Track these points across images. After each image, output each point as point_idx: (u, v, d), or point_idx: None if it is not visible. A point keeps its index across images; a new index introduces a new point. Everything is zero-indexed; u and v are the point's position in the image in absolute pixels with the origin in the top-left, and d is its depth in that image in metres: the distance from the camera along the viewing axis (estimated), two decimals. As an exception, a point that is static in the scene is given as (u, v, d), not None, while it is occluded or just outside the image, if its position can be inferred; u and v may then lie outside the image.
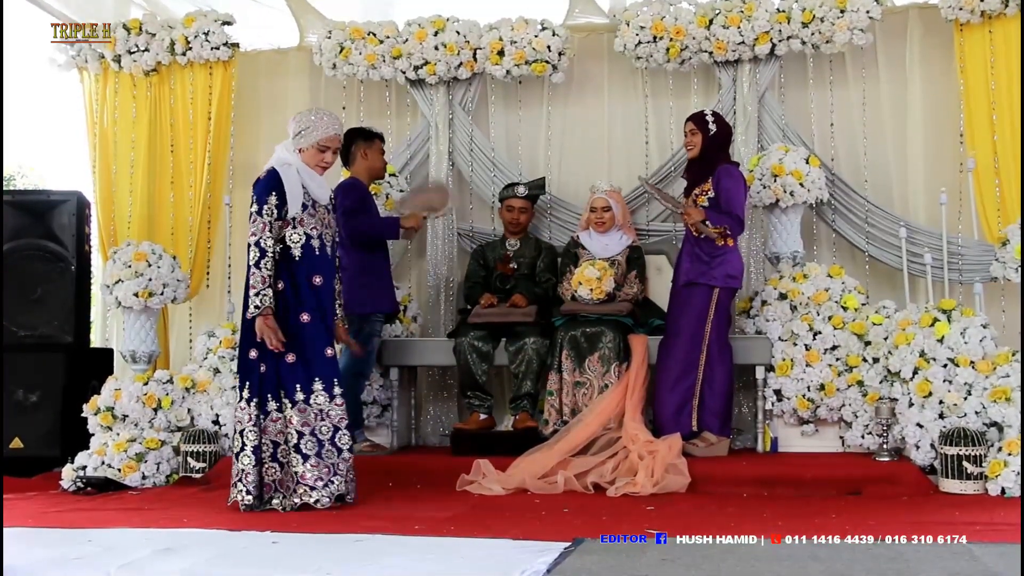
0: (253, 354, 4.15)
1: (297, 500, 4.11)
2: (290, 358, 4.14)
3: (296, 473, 4.13)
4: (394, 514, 4.01)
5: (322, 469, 4.13)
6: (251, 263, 4.09)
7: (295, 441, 4.13)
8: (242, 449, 4.13)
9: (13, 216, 5.78)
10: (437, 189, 5.71)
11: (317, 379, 4.17)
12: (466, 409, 5.55)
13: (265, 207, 4.12)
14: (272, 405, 4.15)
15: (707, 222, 4.97)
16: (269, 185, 4.16)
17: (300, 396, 4.14)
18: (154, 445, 5.15)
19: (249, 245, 4.12)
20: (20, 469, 5.37)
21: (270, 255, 4.10)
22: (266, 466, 4.15)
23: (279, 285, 4.15)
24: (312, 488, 4.10)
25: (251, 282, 4.08)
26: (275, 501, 4.14)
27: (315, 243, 4.23)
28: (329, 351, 4.24)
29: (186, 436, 5.22)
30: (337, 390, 4.20)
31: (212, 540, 3.52)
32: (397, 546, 3.34)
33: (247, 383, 4.16)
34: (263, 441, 4.15)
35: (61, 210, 5.84)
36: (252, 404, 4.13)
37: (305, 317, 4.18)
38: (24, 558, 3.18)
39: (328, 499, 4.12)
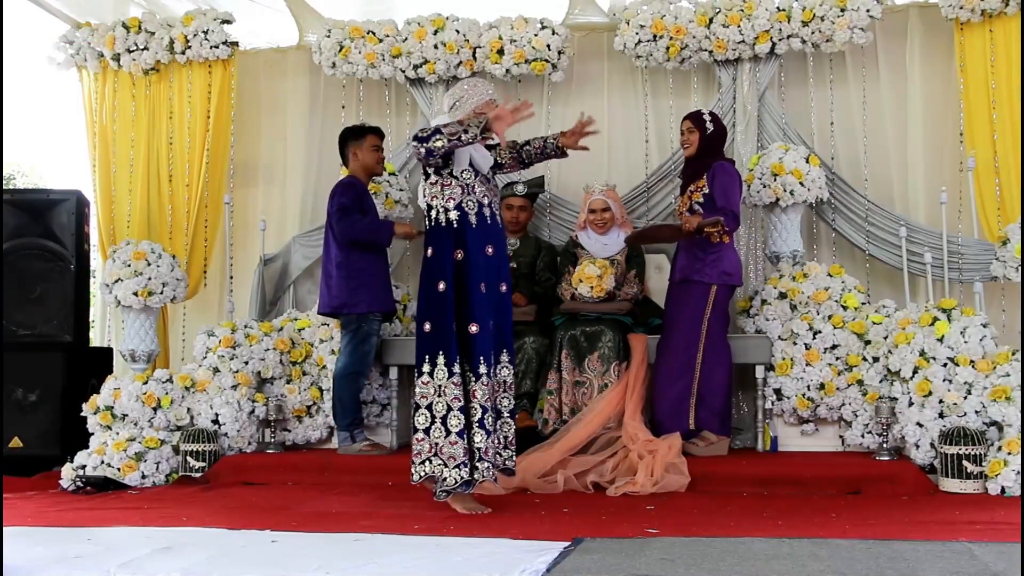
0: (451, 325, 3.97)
1: (477, 476, 3.93)
2: (473, 328, 3.97)
3: (479, 449, 3.94)
4: (394, 513, 4.01)
5: (495, 442, 4.01)
6: (433, 145, 3.89)
7: (479, 416, 3.95)
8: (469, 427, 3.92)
9: (13, 215, 5.78)
10: None
11: (505, 350, 4.08)
12: (466, 408, 5.54)
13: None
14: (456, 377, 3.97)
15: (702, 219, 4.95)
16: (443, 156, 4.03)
17: (483, 369, 3.97)
18: (153, 444, 5.15)
19: (425, 150, 3.92)
20: (20, 468, 5.38)
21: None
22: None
23: (458, 255, 4.01)
24: (493, 464, 3.97)
25: (446, 139, 3.88)
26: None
27: (487, 212, 4.10)
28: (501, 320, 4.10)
29: (185, 435, 5.22)
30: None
31: (211, 539, 3.52)
32: (396, 546, 3.34)
33: (447, 355, 3.93)
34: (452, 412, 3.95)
35: (60, 209, 5.84)
36: (456, 375, 3.93)
37: (483, 287, 4.04)
38: (24, 557, 3.18)
39: (494, 472, 4.00)
